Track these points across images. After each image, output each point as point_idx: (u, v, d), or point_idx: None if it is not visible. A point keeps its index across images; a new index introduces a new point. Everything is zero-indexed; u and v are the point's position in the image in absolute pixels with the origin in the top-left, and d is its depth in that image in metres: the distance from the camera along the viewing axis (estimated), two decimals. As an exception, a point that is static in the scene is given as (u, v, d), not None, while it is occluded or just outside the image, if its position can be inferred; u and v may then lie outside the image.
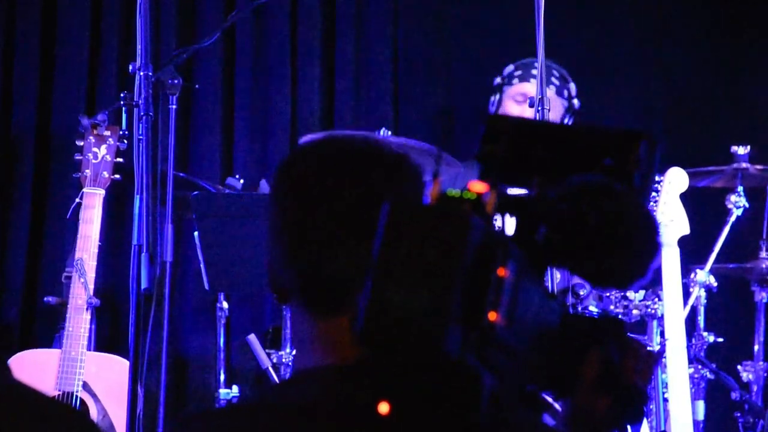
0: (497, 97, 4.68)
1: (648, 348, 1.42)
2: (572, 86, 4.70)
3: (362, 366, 1.41)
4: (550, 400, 1.37)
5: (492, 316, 1.13)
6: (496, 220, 1.24)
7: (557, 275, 3.34)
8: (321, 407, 1.49)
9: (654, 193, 3.95)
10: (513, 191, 1.29)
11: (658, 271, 3.90)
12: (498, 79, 4.69)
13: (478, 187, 1.19)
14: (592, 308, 4.00)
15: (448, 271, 1.13)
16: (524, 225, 1.27)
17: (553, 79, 4.60)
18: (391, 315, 1.13)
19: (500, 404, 1.25)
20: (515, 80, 4.62)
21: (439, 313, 1.12)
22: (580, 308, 3.94)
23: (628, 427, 1.43)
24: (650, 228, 1.29)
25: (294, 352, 4.12)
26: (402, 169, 1.55)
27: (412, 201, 1.16)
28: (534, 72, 4.54)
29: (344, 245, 1.49)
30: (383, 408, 1.17)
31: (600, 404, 1.37)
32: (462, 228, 1.14)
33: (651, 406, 3.92)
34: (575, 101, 4.69)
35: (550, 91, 4.54)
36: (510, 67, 4.68)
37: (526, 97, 4.48)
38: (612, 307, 3.99)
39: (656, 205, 3.94)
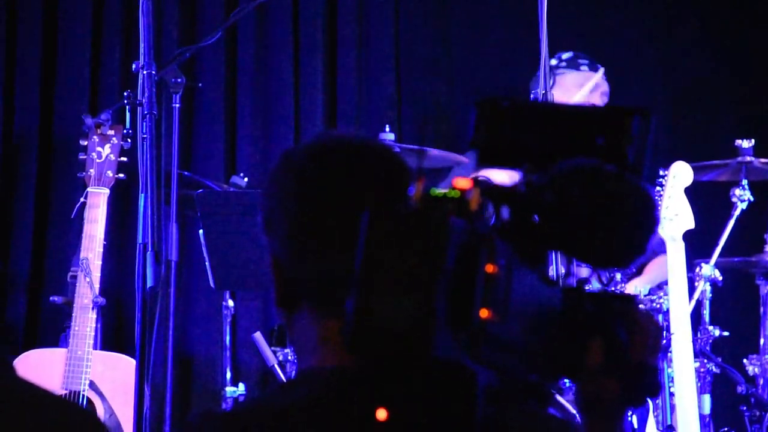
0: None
1: (654, 321, 1.40)
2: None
3: (362, 369, 1.41)
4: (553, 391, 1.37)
5: (483, 313, 1.13)
6: (488, 208, 1.24)
7: (561, 269, 3.34)
8: (322, 409, 1.49)
9: (658, 188, 3.94)
10: (499, 176, 1.29)
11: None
12: (554, 61, 4.55)
13: (461, 183, 1.18)
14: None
15: (429, 275, 1.13)
16: (517, 214, 1.27)
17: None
18: (377, 323, 1.14)
19: (500, 400, 1.25)
20: (584, 67, 4.58)
21: (424, 317, 1.12)
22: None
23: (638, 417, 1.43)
24: (645, 204, 1.28)
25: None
26: (402, 168, 1.55)
27: (391, 206, 1.16)
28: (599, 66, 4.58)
29: (347, 245, 1.50)
30: (381, 414, 1.18)
31: (608, 387, 1.36)
32: (441, 231, 1.14)
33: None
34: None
35: (599, 74, 4.58)
36: (568, 53, 4.62)
37: (598, 87, 4.52)
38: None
39: (661, 200, 3.93)
